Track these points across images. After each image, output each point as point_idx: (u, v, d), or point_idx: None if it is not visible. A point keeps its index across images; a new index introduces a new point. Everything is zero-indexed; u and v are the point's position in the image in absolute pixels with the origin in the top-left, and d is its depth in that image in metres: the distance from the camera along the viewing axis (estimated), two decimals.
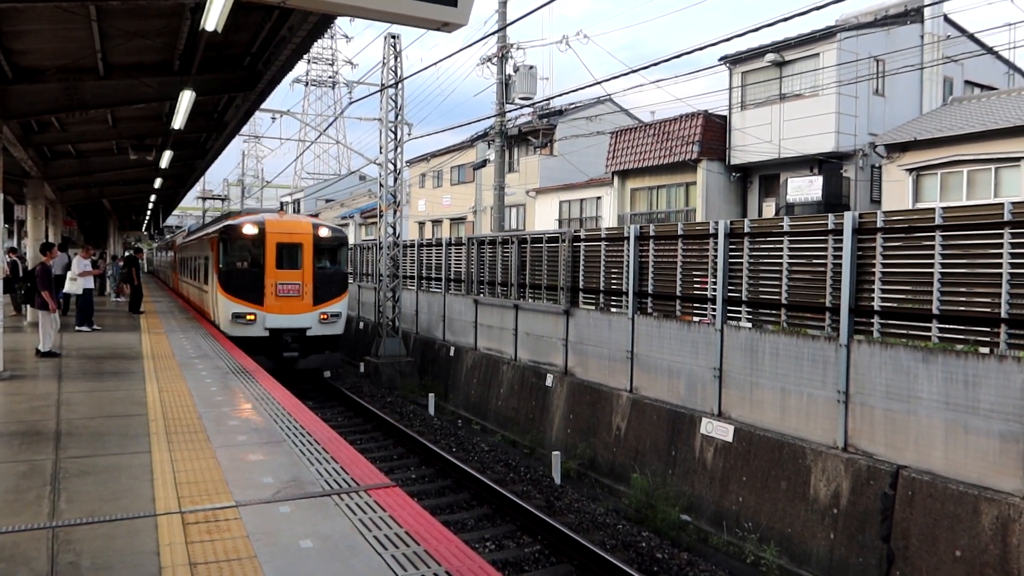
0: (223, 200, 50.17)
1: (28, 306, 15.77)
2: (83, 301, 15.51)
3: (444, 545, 4.44)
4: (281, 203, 17.33)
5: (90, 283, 15.87)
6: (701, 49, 11.64)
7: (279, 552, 4.27)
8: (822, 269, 8.85)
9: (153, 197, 29.33)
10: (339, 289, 16.86)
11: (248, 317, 15.60)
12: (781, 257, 9.39)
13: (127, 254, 27.41)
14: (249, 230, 16.00)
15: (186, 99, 10.66)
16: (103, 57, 10.04)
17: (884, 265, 8.16)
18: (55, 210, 21.89)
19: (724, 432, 9.66)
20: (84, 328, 15.29)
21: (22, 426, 7.15)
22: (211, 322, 17.41)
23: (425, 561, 4.19)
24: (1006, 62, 24.76)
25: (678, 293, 11.07)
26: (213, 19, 7.13)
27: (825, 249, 8.81)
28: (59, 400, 8.39)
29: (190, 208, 62.43)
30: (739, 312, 10.01)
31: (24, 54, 9.88)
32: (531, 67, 21.98)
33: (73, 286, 15.21)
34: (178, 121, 11.73)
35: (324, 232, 16.72)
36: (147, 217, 41.27)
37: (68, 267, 15.73)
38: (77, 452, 6.26)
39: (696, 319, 10.83)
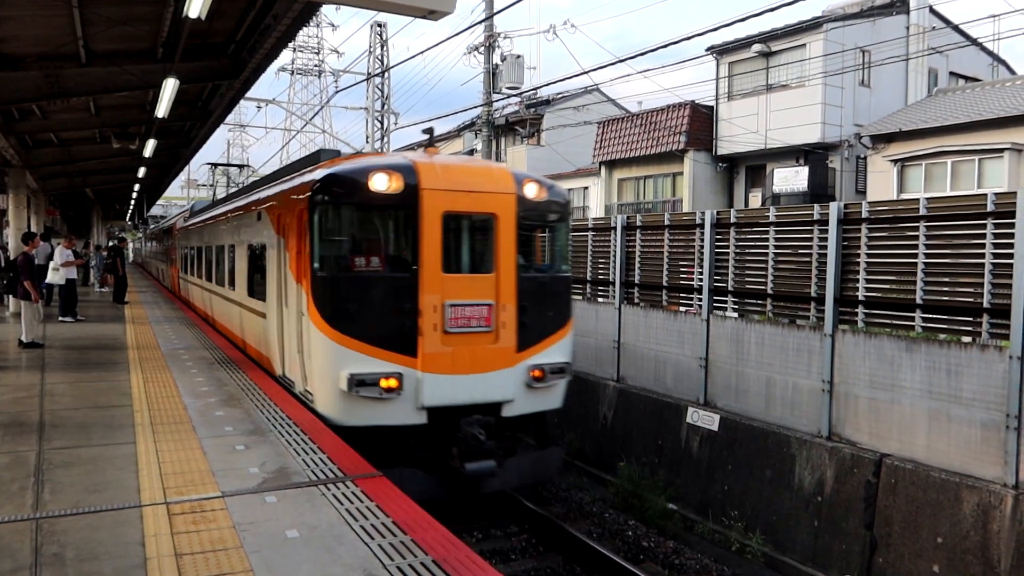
0: (241, 168, 35.04)
1: (10, 296, 15.62)
2: (66, 291, 15.37)
3: (431, 534, 4.44)
4: (429, 131, 9.64)
5: (73, 273, 15.73)
6: (688, 39, 11.67)
7: (265, 542, 4.26)
8: (807, 259, 8.90)
9: (137, 186, 29.06)
10: (562, 313, 8.68)
11: (385, 384, 7.40)
12: (767, 247, 9.43)
13: (111, 244, 27.15)
14: (382, 183, 7.57)
15: (170, 87, 10.56)
16: (85, 44, 9.91)
17: (869, 255, 8.21)
18: (37, 199, 21.65)
19: (710, 421, 9.71)
20: (67, 319, 15.16)
21: (5, 417, 7.09)
22: (276, 378, 9.24)
23: (412, 550, 4.20)
24: (990, 53, 24.92)
25: (665, 283, 11.10)
26: (197, 6, 7.07)
27: (811, 239, 8.85)
28: (42, 391, 8.32)
29: (175, 198, 61.97)
30: (725, 302, 10.06)
31: (3, 41, 9.74)
32: (518, 56, 21.91)
33: (55, 276, 15.08)
34: (162, 109, 11.63)
35: (533, 191, 8.32)
36: (131, 207, 40.92)
37: (51, 257, 15.58)
38: (61, 443, 6.22)
39: (682, 309, 10.88)
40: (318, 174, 7.99)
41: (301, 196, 8.11)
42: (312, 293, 7.66)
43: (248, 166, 34.04)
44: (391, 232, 8.23)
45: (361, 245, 8.10)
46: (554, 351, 8.38)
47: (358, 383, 7.30)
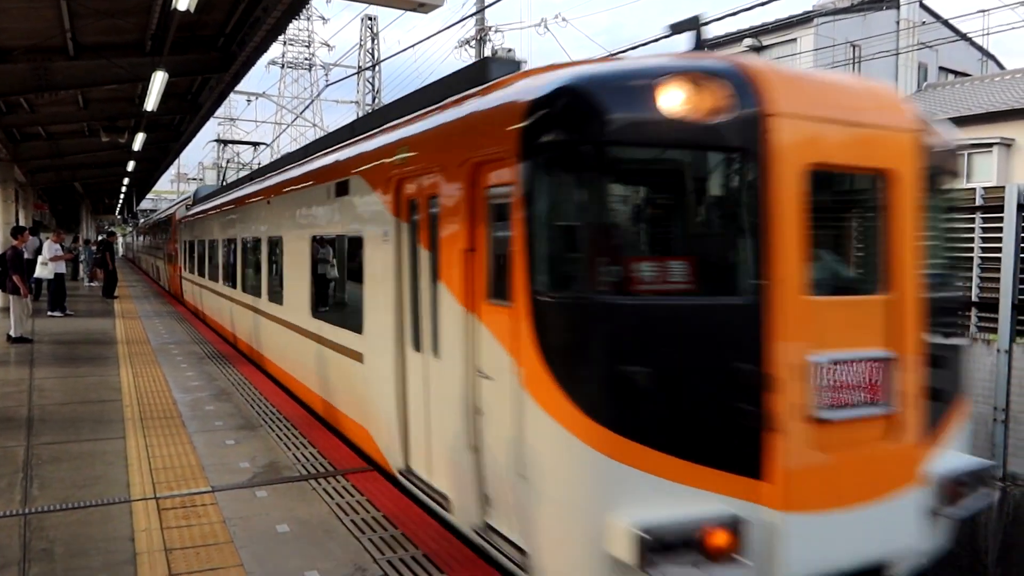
0: (256, 146, 26.80)
1: None
2: (55, 286, 15.29)
3: (422, 528, 4.45)
4: (695, 22, 4.36)
5: (62, 268, 15.64)
6: (679, 33, 11.64)
7: (256, 537, 4.26)
8: None
9: (126, 180, 28.91)
10: (959, 365, 4.33)
11: (712, 541, 3.16)
12: None
13: (100, 238, 27.01)
14: (683, 100, 3.33)
15: (158, 80, 10.49)
16: (73, 37, 9.84)
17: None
18: (26, 193, 21.49)
19: None
20: (56, 313, 15.08)
21: None
22: (393, 473, 5.31)
23: (402, 544, 4.21)
24: (980, 49, 25.04)
25: None
26: None
27: None
28: (31, 386, 8.27)
29: (164, 192, 61.63)
30: None
31: None
32: (509, 50, 21.87)
33: (44, 271, 14.98)
34: (151, 103, 11.55)
35: (937, 132, 4.16)
36: (120, 201, 40.72)
37: (39, 251, 15.49)
38: (50, 438, 6.19)
39: None
40: (535, 89, 3.81)
41: (488, 136, 4.13)
42: (540, 339, 3.55)
43: (263, 144, 26.15)
44: (703, 208, 4.01)
45: (642, 237, 3.95)
46: (954, 440, 4.23)
47: (655, 547, 3.15)
